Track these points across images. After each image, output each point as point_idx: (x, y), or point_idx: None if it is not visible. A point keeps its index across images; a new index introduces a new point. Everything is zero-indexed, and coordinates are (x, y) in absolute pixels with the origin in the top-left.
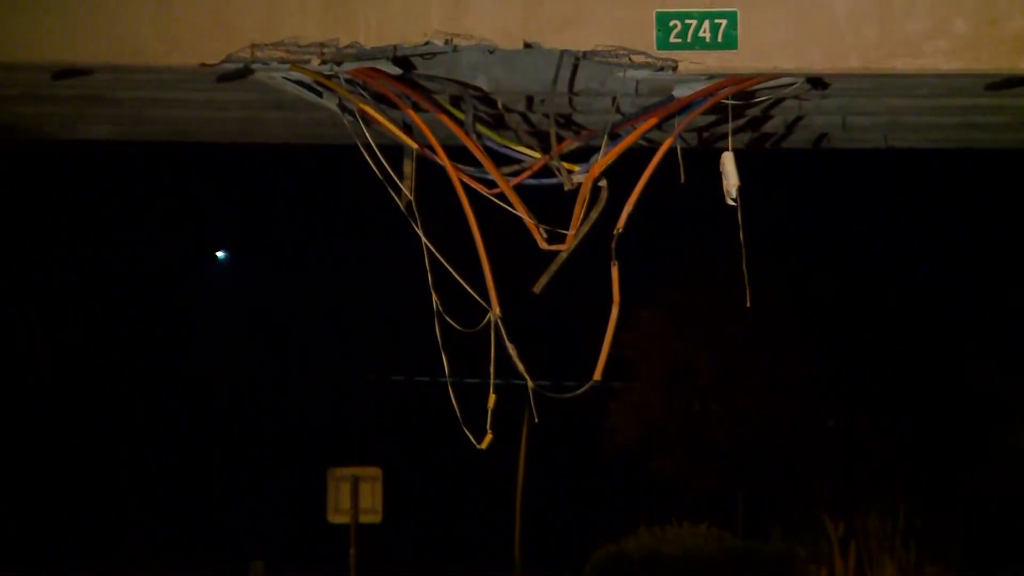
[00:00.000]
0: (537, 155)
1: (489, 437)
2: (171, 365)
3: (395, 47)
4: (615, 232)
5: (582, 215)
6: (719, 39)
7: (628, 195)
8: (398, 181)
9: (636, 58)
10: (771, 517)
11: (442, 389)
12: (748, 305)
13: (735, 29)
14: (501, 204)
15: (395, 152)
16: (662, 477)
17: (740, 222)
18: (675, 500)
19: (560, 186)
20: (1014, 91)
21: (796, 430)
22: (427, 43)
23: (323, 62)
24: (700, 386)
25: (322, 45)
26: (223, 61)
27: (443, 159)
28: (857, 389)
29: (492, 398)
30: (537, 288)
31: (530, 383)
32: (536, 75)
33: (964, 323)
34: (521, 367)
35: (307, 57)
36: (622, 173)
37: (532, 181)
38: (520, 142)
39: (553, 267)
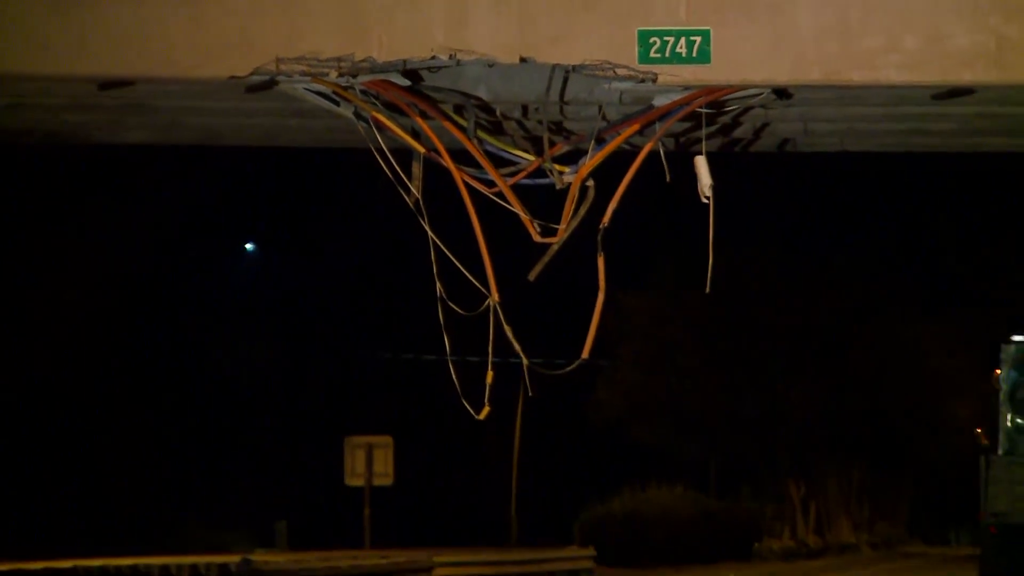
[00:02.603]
0: (531, 158)
1: (487, 409)
2: (205, 346)
3: (404, 61)
4: (601, 227)
5: (572, 211)
6: (694, 54)
7: (613, 193)
8: (407, 181)
9: (620, 71)
10: (741, 481)
11: (446, 366)
12: (707, 291)
13: (708, 45)
14: (499, 201)
15: (404, 155)
16: (643, 445)
17: (711, 218)
18: (655, 466)
19: (552, 185)
20: (958, 100)
21: (762, 404)
22: (433, 58)
23: (340, 75)
24: (677, 364)
25: (339, 59)
26: (251, 74)
27: (447, 161)
28: (817, 368)
29: (490, 374)
30: (532, 276)
31: (525, 361)
32: (531, 86)
33: (914, 308)
34: (517, 347)
35: (326, 70)
36: (607, 174)
37: (527, 181)
38: (516, 146)
39: (546, 258)
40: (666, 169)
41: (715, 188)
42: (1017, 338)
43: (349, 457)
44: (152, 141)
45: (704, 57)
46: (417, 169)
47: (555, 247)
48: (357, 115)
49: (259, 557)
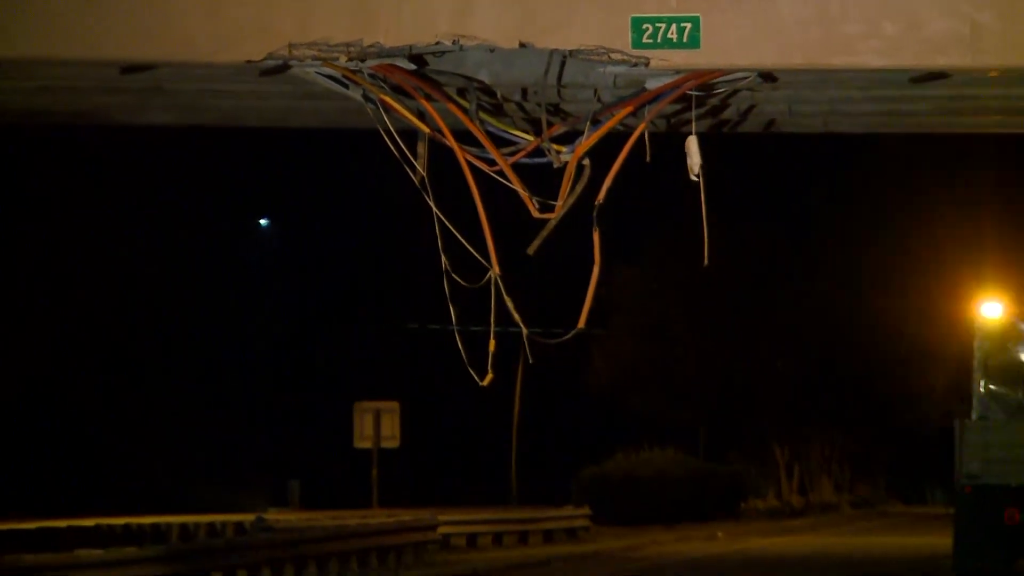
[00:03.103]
0: (531, 138)
1: (490, 376)
2: (223, 317)
3: (410, 46)
4: (596, 203)
5: (568, 189)
6: (684, 40)
7: (608, 172)
8: (413, 160)
9: (614, 56)
10: (728, 444)
11: (450, 336)
12: (705, 264)
13: (698, 31)
14: (500, 179)
15: (410, 136)
16: (636, 411)
17: (703, 195)
18: (647, 430)
19: (550, 164)
20: (934, 84)
21: (750, 372)
22: (437, 43)
23: (349, 59)
24: (669, 335)
25: (348, 45)
26: (265, 58)
27: (451, 141)
28: (801, 339)
29: (492, 343)
30: (531, 250)
31: (524, 330)
32: (530, 70)
33: (893, 282)
34: (517, 317)
35: (336, 55)
36: (602, 153)
37: (526, 160)
38: (516, 127)
39: (544, 232)
40: (647, 151)
41: (704, 168)
42: (990, 307)
43: (358, 421)
44: (172, 122)
45: (694, 42)
46: (422, 148)
47: (553, 223)
48: (365, 97)
49: (272, 516)
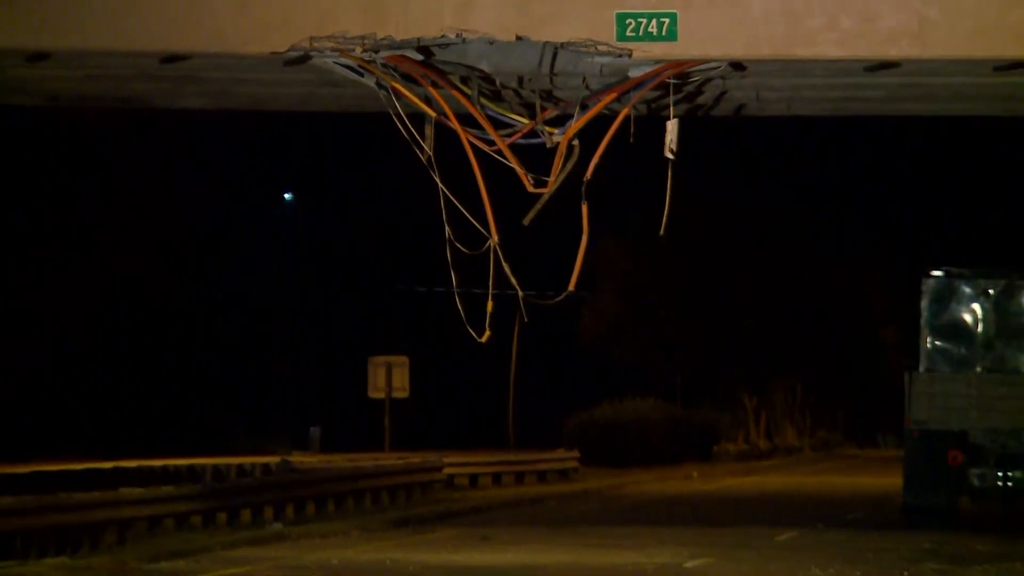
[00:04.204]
0: (526, 121)
1: (488, 334)
2: (251, 281)
3: (418, 39)
4: (584, 179)
5: (560, 166)
6: (663, 33)
7: (595, 151)
8: (421, 141)
9: (601, 47)
10: (702, 394)
11: (453, 298)
12: (661, 234)
13: (676, 26)
14: (499, 158)
15: (418, 119)
16: (620, 364)
17: (669, 174)
18: (630, 381)
19: (543, 144)
20: (886, 72)
21: (722, 329)
22: (442, 36)
23: (364, 50)
24: (650, 296)
25: (363, 38)
26: (288, 50)
27: (455, 124)
28: (768, 299)
29: (491, 304)
30: (526, 221)
31: (520, 293)
32: (525, 60)
33: (849, 248)
34: (513, 280)
35: (352, 47)
36: (590, 134)
37: (522, 140)
38: (513, 111)
39: (538, 205)
40: (631, 133)
41: (679, 150)
42: (935, 273)
43: (372, 374)
44: (205, 107)
45: (672, 36)
46: (429, 130)
47: (546, 196)
48: (379, 85)
49: (296, 458)
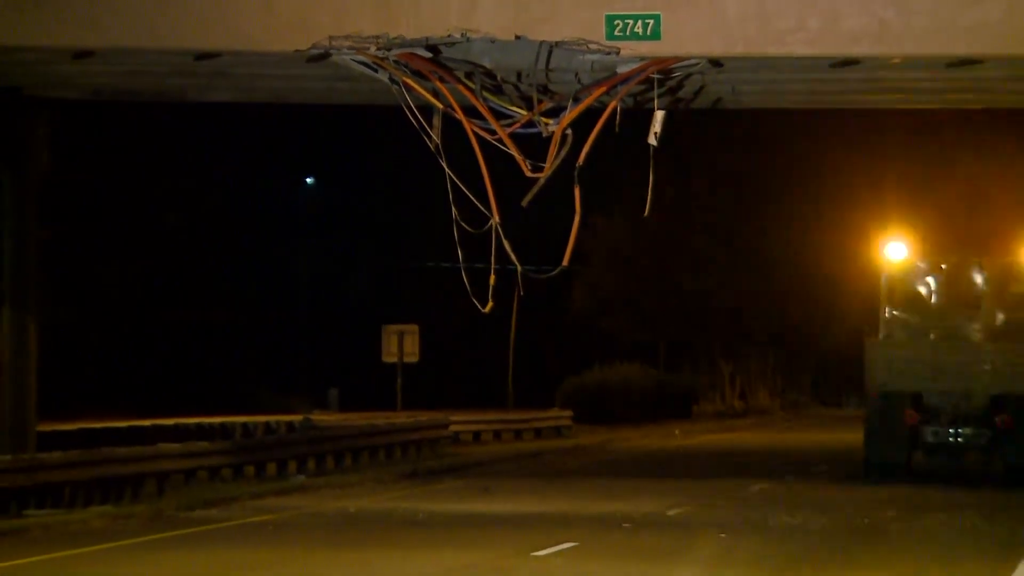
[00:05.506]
0: (524, 112)
1: (490, 304)
2: (277, 256)
3: (427, 38)
4: (577, 165)
5: (555, 153)
6: (648, 33)
7: (586, 139)
8: (429, 130)
9: (592, 46)
10: (683, 359)
11: (459, 272)
12: (646, 215)
13: (659, 26)
14: (499, 145)
15: (427, 110)
16: (609, 332)
17: (651, 160)
18: (618, 348)
19: (540, 133)
20: (849, 68)
21: (701, 301)
22: (449, 35)
23: (378, 48)
24: (636, 271)
25: (377, 37)
26: (309, 48)
27: (460, 115)
28: (741, 274)
29: (492, 278)
30: (524, 203)
31: (519, 268)
32: (523, 57)
33: (814, 228)
34: (513, 256)
35: (367, 45)
36: (582, 124)
37: (521, 130)
38: (512, 103)
39: (535, 188)
40: (617, 124)
41: (661, 138)
42: (894, 248)
43: (386, 340)
44: (234, 100)
45: (656, 35)
46: (437, 121)
47: (542, 180)
48: (391, 80)
49: (316, 417)
